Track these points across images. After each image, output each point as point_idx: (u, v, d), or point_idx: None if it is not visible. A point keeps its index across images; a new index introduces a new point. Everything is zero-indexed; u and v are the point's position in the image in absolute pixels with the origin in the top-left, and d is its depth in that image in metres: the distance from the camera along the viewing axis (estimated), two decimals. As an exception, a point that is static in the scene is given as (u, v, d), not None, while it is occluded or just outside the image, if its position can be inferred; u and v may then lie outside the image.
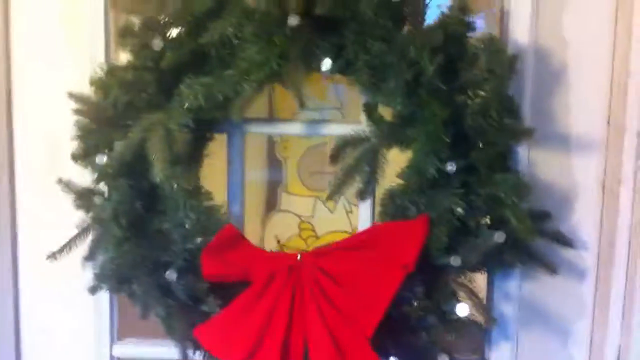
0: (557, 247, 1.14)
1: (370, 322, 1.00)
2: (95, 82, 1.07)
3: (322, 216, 2.16)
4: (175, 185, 1.05)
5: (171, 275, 1.03)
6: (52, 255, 1.11)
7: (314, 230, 2.21)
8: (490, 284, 1.19)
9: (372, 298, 1.01)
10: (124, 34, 1.05)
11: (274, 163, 2.23)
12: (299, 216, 2.20)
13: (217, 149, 1.19)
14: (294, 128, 1.17)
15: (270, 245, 2.14)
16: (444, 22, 1.02)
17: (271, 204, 2.24)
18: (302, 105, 1.01)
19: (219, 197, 1.18)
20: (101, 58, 1.15)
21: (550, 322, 1.19)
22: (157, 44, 1.02)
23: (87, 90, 1.08)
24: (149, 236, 1.07)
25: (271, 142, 2.20)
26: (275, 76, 1.03)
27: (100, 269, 1.07)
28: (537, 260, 1.10)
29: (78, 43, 1.17)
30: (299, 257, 1.05)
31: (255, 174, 2.22)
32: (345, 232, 2.05)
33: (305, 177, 2.19)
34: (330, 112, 2.15)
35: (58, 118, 1.16)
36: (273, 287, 1.03)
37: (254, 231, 2.16)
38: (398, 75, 1.01)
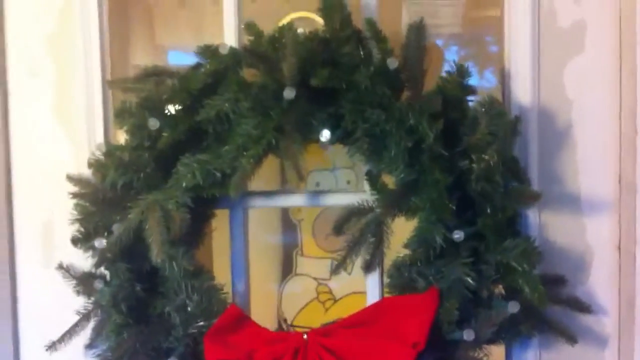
0: (575, 314, 1.09)
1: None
2: (94, 164, 1.06)
3: (340, 278, 2.12)
4: (176, 267, 1.03)
5: (173, 363, 1.00)
6: (52, 345, 1.08)
7: (331, 293, 2.17)
8: (508, 355, 1.14)
9: (382, 379, 0.97)
10: (121, 114, 1.05)
11: (288, 226, 2.21)
12: (316, 279, 2.17)
13: (221, 223, 1.17)
14: (297, 200, 1.16)
15: (287, 309, 2.10)
16: (443, 87, 1.01)
17: (287, 268, 2.21)
18: (300, 178, 0.99)
19: (226, 273, 1.16)
20: (100, 137, 1.15)
21: (574, 392, 1.13)
22: (153, 123, 1.01)
23: (84, 171, 1.08)
24: (150, 321, 1.05)
25: (285, 206, 2.18)
26: (273, 149, 1.01)
27: (101, 357, 1.04)
28: (555, 328, 1.06)
29: (75, 123, 1.17)
30: (305, 336, 1.02)
31: (269, 239, 2.20)
32: (364, 293, 2.01)
33: (320, 239, 2.17)
34: (344, 172, 2.14)
35: (57, 201, 1.15)
36: (278, 371, 0.99)
37: (270, 297, 2.12)
38: (398, 143, 1.00)
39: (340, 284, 2.13)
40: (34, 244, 1.19)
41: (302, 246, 2.19)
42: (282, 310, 2.10)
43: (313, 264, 2.17)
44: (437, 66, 1.04)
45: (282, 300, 2.15)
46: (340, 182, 2.04)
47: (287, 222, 2.21)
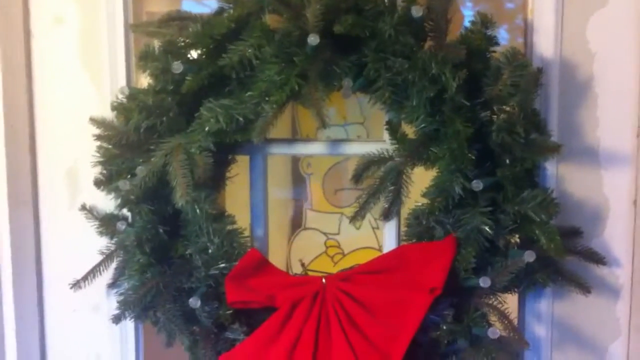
0: (589, 265, 1.11)
1: (398, 348, 0.98)
2: (117, 107, 1.07)
3: (349, 233, 2.14)
4: (198, 210, 1.04)
5: (195, 302, 1.02)
6: (77, 284, 1.10)
7: (340, 248, 2.19)
8: (521, 304, 1.16)
9: (399, 323, 0.99)
10: (144, 58, 1.05)
11: (298, 181, 2.22)
12: (325, 234, 2.19)
13: (241, 170, 1.18)
14: (316, 148, 1.16)
15: (296, 266, 2.12)
16: (466, 37, 1.01)
17: (297, 222, 2.23)
18: (323, 125, 1.00)
19: (244, 218, 1.17)
20: (122, 82, 1.16)
21: (585, 342, 1.15)
22: (177, 67, 1.01)
23: (109, 115, 1.08)
24: (172, 262, 1.07)
25: (295, 159, 2.19)
26: (296, 96, 1.02)
27: (124, 296, 1.06)
28: (569, 279, 1.07)
29: (98, 68, 1.18)
30: (323, 281, 1.04)
31: (280, 192, 2.21)
32: (373, 248, 2.03)
33: (330, 194, 2.18)
34: (354, 127, 2.14)
35: (81, 144, 1.16)
36: (298, 314, 1.02)
37: (280, 250, 2.14)
38: (420, 93, 1.00)
39: (349, 239, 2.15)
40: (58, 187, 1.20)
41: (312, 201, 2.21)
42: (296, 258, 2.13)
43: (322, 218, 2.19)
44: (456, 25, 1.03)
45: (291, 253, 2.17)
46: (351, 137, 2.04)
47: (297, 176, 2.22)
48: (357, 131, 2.12)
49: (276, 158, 2.11)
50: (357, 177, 1.07)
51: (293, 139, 1.21)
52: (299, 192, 2.22)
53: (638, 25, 1.10)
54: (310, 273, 2.09)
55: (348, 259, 2.12)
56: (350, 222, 1.10)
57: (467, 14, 1.08)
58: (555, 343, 1.15)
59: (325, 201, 2.18)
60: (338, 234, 2.18)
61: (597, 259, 1.09)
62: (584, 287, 1.08)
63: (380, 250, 1.12)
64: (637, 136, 1.11)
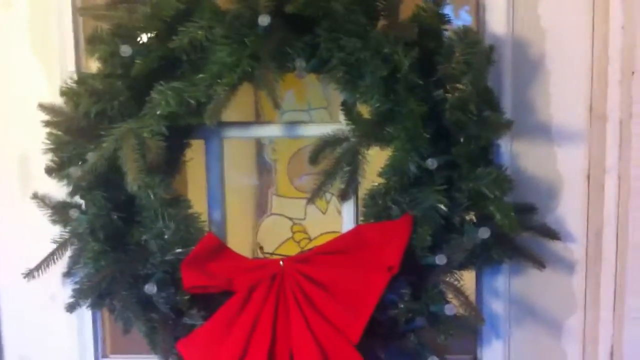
0: (544, 241, 1.12)
1: (356, 327, 0.98)
2: (66, 92, 1.04)
3: (314, 218, 2.14)
4: (152, 195, 1.03)
5: (151, 288, 1.01)
6: (30, 273, 1.08)
7: (306, 233, 2.19)
8: (478, 281, 1.17)
9: (357, 302, 0.99)
10: (93, 42, 1.03)
11: (263, 166, 2.21)
12: (291, 219, 2.18)
13: (199, 154, 1.17)
14: (273, 131, 1.15)
15: (262, 251, 2.12)
16: (418, 15, 1.01)
17: (262, 208, 2.22)
18: (276, 106, 0.99)
19: (205, 203, 1.16)
20: (72, 67, 1.13)
21: (542, 317, 1.17)
22: (125, 50, 1.00)
23: (59, 101, 1.06)
24: (127, 249, 1.06)
25: (260, 145, 2.18)
26: (249, 78, 1.01)
27: (79, 284, 1.04)
28: (525, 254, 1.09)
29: (47, 53, 1.15)
30: (281, 263, 1.03)
31: (245, 178, 2.20)
32: (338, 232, 2.03)
33: (295, 179, 2.18)
34: (318, 111, 2.14)
35: (30, 131, 1.13)
36: (256, 297, 1.01)
37: (245, 236, 2.14)
38: (374, 72, 1.00)
39: (315, 224, 2.15)
40: (9, 175, 1.18)
41: (277, 186, 2.20)
42: (258, 246, 2.12)
43: (288, 204, 2.19)
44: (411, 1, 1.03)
45: (258, 238, 2.17)
46: (315, 121, 2.03)
47: (262, 162, 2.21)
48: (321, 116, 2.12)
49: (241, 144, 2.10)
50: (314, 159, 1.07)
51: (249, 122, 1.19)
52: (264, 178, 2.22)
53: (589, 1, 1.11)
54: (272, 257, 2.09)
55: (315, 243, 2.12)
56: (307, 203, 1.10)
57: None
58: (513, 319, 1.17)
59: (291, 186, 2.18)
60: (304, 219, 2.18)
61: (552, 234, 1.11)
62: (539, 262, 1.09)
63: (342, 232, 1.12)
64: (590, 112, 1.12)
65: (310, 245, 2.11)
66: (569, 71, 1.12)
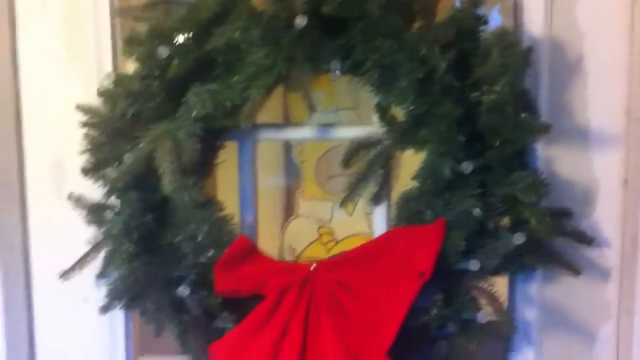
0: (579, 247, 1.10)
1: (387, 333, 0.97)
2: (103, 93, 1.05)
3: (341, 220, 2.13)
4: (186, 197, 1.03)
5: (183, 290, 1.01)
6: (65, 274, 1.09)
7: (333, 235, 2.18)
8: (511, 287, 1.15)
9: (389, 308, 0.98)
10: (130, 43, 1.03)
11: (290, 168, 2.21)
12: (318, 221, 2.18)
13: (231, 155, 1.17)
14: (305, 133, 1.15)
15: (289, 254, 2.12)
16: (455, 16, 1.00)
17: (289, 210, 2.22)
18: (311, 109, 0.99)
19: (234, 205, 1.16)
20: (109, 68, 1.14)
21: (575, 325, 1.15)
22: (163, 51, 1.00)
23: (95, 102, 1.07)
24: (160, 250, 1.06)
25: (288, 146, 2.18)
26: (283, 80, 1.01)
27: (112, 286, 1.05)
28: (559, 261, 1.07)
29: (84, 54, 1.16)
30: (312, 267, 1.03)
31: (272, 180, 2.20)
32: (365, 235, 2.03)
33: (322, 181, 2.17)
34: (346, 113, 2.13)
35: (67, 132, 1.14)
36: (287, 301, 1.01)
37: (272, 239, 2.14)
38: (409, 74, 0.99)
39: (341, 226, 2.14)
40: (45, 176, 1.19)
41: (305, 188, 2.20)
42: (286, 248, 2.12)
43: (315, 206, 2.18)
44: (448, 2, 1.02)
45: (284, 241, 2.17)
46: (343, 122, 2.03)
47: (290, 164, 2.21)
48: (349, 117, 2.11)
49: (268, 146, 2.10)
50: (346, 162, 1.06)
51: (282, 124, 1.19)
52: (292, 179, 2.22)
53: (628, 3, 1.09)
54: (301, 260, 2.08)
55: (341, 245, 2.11)
56: (340, 206, 1.09)
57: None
58: (546, 326, 1.15)
59: (318, 188, 2.18)
60: (331, 221, 2.17)
61: (587, 240, 1.09)
62: (574, 269, 1.08)
63: (373, 235, 1.12)
64: (627, 115, 1.11)
65: (337, 247, 2.10)
66: (607, 73, 1.10)
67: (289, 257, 2.11)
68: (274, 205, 2.22)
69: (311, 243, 2.17)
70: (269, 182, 2.18)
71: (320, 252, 2.10)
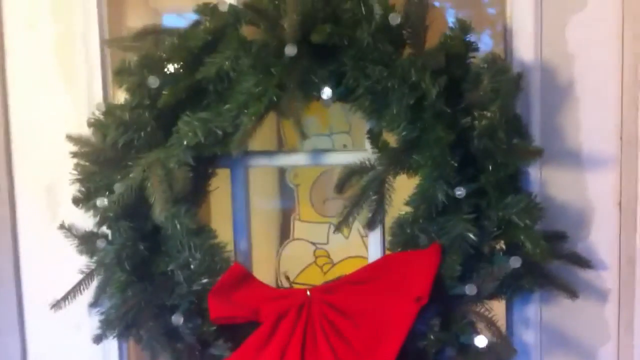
0: (575, 269, 1.10)
1: (385, 358, 0.96)
2: (94, 124, 1.05)
3: (338, 242, 2.13)
4: (178, 225, 1.02)
5: (177, 319, 1.00)
6: (57, 304, 1.08)
7: (329, 257, 2.17)
8: (509, 310, 1.15)
9: (386, 334, 0.97)
10: (120, 73, 1.04)
11: (285, 191, 2.21)
12: (314, 244, 2.17)
13: (224, 182, 1.17)
14: (298, 159, 1.15)
15: (284, 277, 2.11)
16: (445, 43, 1.00)
17: (285, 233, 2.21)
18: (303, 136, 0.99)
19: (229, 231, 1.16)
20: (99, 98, 1.14)
21: (574, 347, 1.14)
22: (153, 81, 1.00)
23: (86, 132, 1.07)
24: (153, 279, 1.05)
25: (282, 170, 2.18)
26: (275, 107, 1.01)
27: (105, 315, 1.04)
28: (556, 283, 1.07)
29: (75, 83, 1.16)
30: (308, 293, 1.02)
31: (267, 203, 2.20)
32: (362, 257, 2.02)
33: (317, 204, 2.16)
34: (340, 136, 2.13)
35: (58, 162, 1.14)
36: (283, 327, 1.00)
37: (268, 262, 2.13)
38: (400, 100, 0.99)
39: (337, 248, 2.13)
40: (36, 205, 1.18)
41: (300, 211, 2.19)
42: (282, 271, 2.11)
43: (310, 228, 2.17)
44: (437, 28, 1.03)
45: (280, 264, 2.15)
46: (336, 146, 2.03)
47: (285, 187, 2.20)
48: (343, 140, 2.11)
49: (263, 169, 2.10)
50: (340, 188, 1.06)
51: (274, 151, 1.19)
52: (287, 203, 2.21)
53: (617, 26, 1.10)
54: (297, 285, 2.07)
55: (337, 268, 2.10)
56: (334, 232, 1.09)
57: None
58: (545, 348, 1.14)
59: (314, 211, 2.17)
60: (327, 243, 2.16)
61: (583, 262, 1.09)
62: (571, 292, 1.07)
63: (369, 258, 1.11)
64: (620, 138, 1.11)
65: (334, 270, 2.09)
66: (599, 97, 1.10)
67: (284, 280, 2.09)
68: (270, 228, 2.21)
69: (307, 266, 2.16)
70: (264, 205, 2.17)
71: (316, 275, 2.09)
